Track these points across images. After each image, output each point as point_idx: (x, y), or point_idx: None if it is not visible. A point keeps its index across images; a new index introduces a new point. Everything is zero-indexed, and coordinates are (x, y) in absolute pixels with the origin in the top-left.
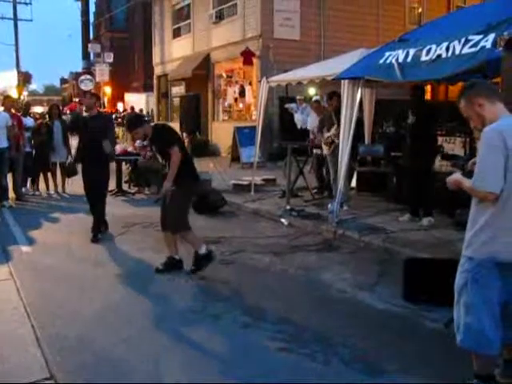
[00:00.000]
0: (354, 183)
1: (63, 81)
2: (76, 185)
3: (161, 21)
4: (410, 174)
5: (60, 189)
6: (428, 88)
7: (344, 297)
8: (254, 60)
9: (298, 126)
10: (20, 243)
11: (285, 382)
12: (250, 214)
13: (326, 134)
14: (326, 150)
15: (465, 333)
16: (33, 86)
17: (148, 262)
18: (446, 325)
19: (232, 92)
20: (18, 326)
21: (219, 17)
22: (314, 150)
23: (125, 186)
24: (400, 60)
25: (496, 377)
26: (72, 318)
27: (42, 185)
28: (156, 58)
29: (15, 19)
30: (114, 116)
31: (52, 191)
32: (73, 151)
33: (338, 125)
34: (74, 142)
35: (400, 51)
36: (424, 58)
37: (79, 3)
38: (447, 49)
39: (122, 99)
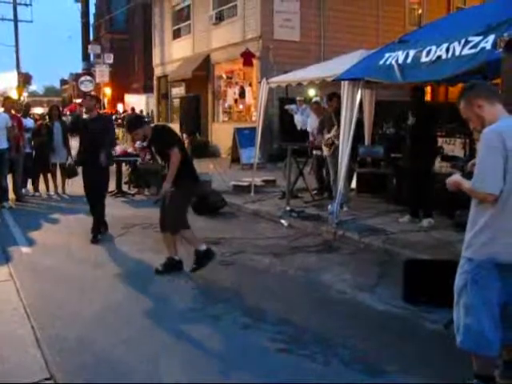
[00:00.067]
0: (353, 184)
1: (63, 82)
2: (76, 186)
3: (161, 22)
4: (409, 175)
5: (60, 190)
6: (428, 89)
7: (344, 298)
8: (254, 61)
9: (298, 127)
10: (20, 244)
11: (285, 383)
12: (250, 215)
13: (326, 136)
14: (325, 151)
15: (464, 334)
16: (33, 87)
17: (148, 262)
18: (446, 326)
19: (232, 93)
20: (17, 326)
21: (219, 18)
22: (314, 151)
23: (124, 187)
24: (400, 61)
25: (496, 378)
26: (72, 319)
27: (41, 186)
28: (156, 59)
29: (15, 20)
30: (113, 117)
31: (52, 192)
32: (73, 152)
33: (338, 126)
34: (73, 142)
35: (400, 52)
36: (424, 59)
37: (79, 4)
38: (447, 50)
39: (121, 100)
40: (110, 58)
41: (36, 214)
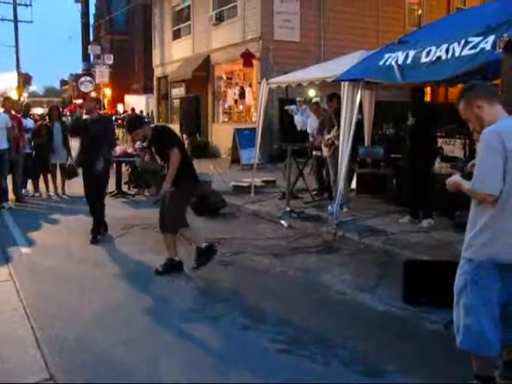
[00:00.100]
0: (353, 185)
1: (63, 82)
2: (76, 186)
3: (161, 23)
4: (409, 175)
5: (60, 190)
6: (428, 90)
7: (344, 298)
8: (254, 62)
9: (298, 128)
10: (20, 244)
11: (285, 383)
12: (250, 215)
13: (327, 136)
14: (325, 152)
15: (464, 334)
16: (33, 88)
17: (147, 263)
18: (446, 326)
19: (232, 94)
20: (17, 327)
21: (219, 18)
22: (314, 152)
23: (124, 188)
24: (400, 62)
25: (496, 378)
26: (71, 319)
27: (41, 186)
28: (156, 60)
29: (15, 21)
30: (113, 118)
31: (52, 193)
32: (73, 153)
33: (338, 126)
34: (73, 143)
35: (400, 53)
36: (424, 59)
37: (79, 5)
38: (447, 50)
39: (121, 101)
40: (109, 59)
41: (36, 214)
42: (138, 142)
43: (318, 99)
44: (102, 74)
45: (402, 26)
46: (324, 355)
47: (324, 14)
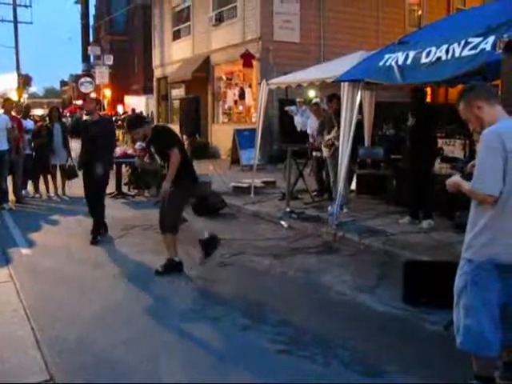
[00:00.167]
0: (353, 186)
1: (63, 83)
2: (76, 187)
3: (160, 23)
4: (409, 176)
5: (60, 191)
6: (428, 90)
7: (344, 299)
8: (254, 62)
9: (298, 129)
10: (20, 245)
11: (285, 383)
12: (250, 216)
13: (327, 137)
14: (325, 153)
15: (464, 335)
16: (33, 89)
17: (148, 264)
18: (446, 327)
19: (232, 94)
20: (17, 328)
21: (219, 19)
22: (314, 153)
23: (124, 189)
24: (400, 62)
25: (496, 379)
26: (71, 320)
27: (41, 187)
28: (156, 61)
29: (15, 22)
30: (113, 118)
31: (52, 193)
32: (73, 153)
33: (338, 127)
34: (73, 144)
35: (400, 53)
36: (424, 60)
37: (79, 6)
38: (447, 51)
39: (121, 102)
40: (109, 60)
41: (36, 215)
42: (138, 143)
43: (317, 100)
44: (102, 74)
45: (401, 26)
46: (324, 356)
47: (324, 15)
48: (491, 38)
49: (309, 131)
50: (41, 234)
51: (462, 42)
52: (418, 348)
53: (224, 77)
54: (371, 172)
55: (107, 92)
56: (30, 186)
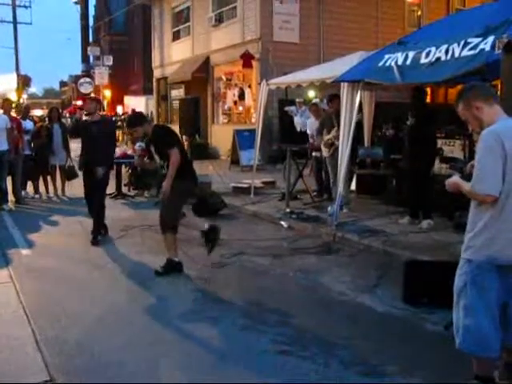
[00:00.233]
0: (353, 186)
1: (63, 84)
2: (75, 188)
3: (160, 24)
4: (409, 176)
5: (59, 192)
6: (427, 90)
7: (344, 299)
8: (254, 63)
9: (298, 129)
10: (20, 246)
11: (285, 383)
12: (250, 216)
13: (326, 137)
14: (325, 153)
15: (464, 335)
16: (32, 89)
17: (147, 264)
18: (446, 327)
19: (231, 95)
20: (17, 328)
21: (219, 20)
22: (314, 153)
23: (124, 189)
24: (399, 63)
25: (495, 379)
26: (71, 321)
27: (41, 188)
28: (155, 61)
29: (15, 22)
30: (113, 119)
31: (51, 194)
32: (72, 154)
33: (339, 127)
34: (73, 144)
35: (399, 54)
36: (423, 60)
37: (79, 6)
38: (446, 51)
39: (121, 102)
40: (109, 60)
41: (36, 215)
42: (138, 144)
43: (317, 100)
44: (102, 75)
45: (401, 26)
46: (324, 356)
47: (323, 15)
48: (490, 39)
49: (308, 131)
50: (41, 235)
51: (462, 43)
52: (418, 348)
53: (224, 77)
54: (371, 172)
55: (107, 92)
56: (29, 187)
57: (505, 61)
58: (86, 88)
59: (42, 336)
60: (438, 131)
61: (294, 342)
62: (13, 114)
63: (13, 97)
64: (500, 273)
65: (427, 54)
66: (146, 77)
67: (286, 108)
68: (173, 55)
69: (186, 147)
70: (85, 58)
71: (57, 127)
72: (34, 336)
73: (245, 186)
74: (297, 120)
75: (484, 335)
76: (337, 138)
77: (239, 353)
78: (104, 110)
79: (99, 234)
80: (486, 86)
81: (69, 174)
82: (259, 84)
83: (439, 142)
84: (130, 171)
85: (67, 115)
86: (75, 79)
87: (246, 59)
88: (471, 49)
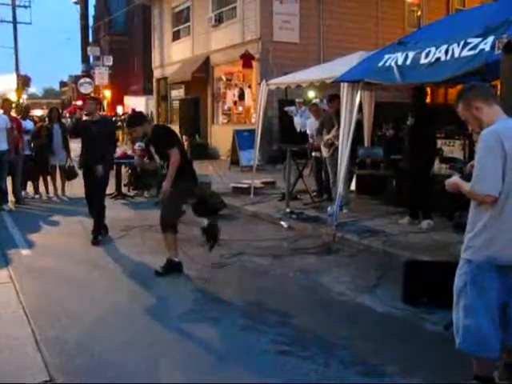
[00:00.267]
0: (353, 186)
1: (62, 84)
2: (75, 188)
3: (160, 24)
4: (409, 176)
5: (59, 192)
6: (428, 91)
7: (344, 299)
8: (254, 63)
9: (298, 129)
10: (19, 246)
11: (285, 383)
12: (250, 216)
13: (326, 137)
14: (325, 153)
15: (464, 335)
16: (32, 89)
17: (147, 264)
18: (446, 327)
19: (231, 95)
20: (17, 329)
21: (218, 20)
22: (313, 153)
23: (124, 189)
24: (399, 63)
25: (495, 379)
26: (72, 321)
27: (41, 188)
28: (155, 61)
29: (14, 22)
30: (113, 119)
31: (51, 194)
32: (72, 154)
33: (339, 127)
34: (73, 144)
35: (399, 54)
36: (423, 60)
37: (78, 6)
38: (446, 52)
39: (121, 102)
40: (109, 60)
41: (36, 216)
42: (138, 144)
43: (317, 100)
44: (102, 75)
45: (401, 27)
46: (324, 356)
47: (323, 15)
48: (490, 39)
49: (308, 131)
50: (40, 235)
51: (462, 43)
52: (418, 348)
53: (224, 77)
54: (371, 172)
55: (107, 93)
56: (29, 187)
57: (504, 61)
58: (85, 88)
59: (42, 336)
60: (437, 131)
61: (294, 342)
62: (13, 114)
63: (13, 97)
64: (500, 273)
65: (427, 54)
66: (145, 77)
67: (286, 108)
68: (173, 55)
69: (185, 147)
70: (85, 58)
71: (57, 127)
72: (33, 336)
73: (245, 186)
74: (297, 120)
75: (484, 335)
76: (337, 137)
77: (239, 353)
78: (104, 110)
79: (100, 233)
80: (486, 87)
81: (69, 174)
82: (259, 84)
83: (439, 142)
84: (129, 171)
85: (67, 115)
86: (75, 79)
87: (246, 59)
88: (471, 49)
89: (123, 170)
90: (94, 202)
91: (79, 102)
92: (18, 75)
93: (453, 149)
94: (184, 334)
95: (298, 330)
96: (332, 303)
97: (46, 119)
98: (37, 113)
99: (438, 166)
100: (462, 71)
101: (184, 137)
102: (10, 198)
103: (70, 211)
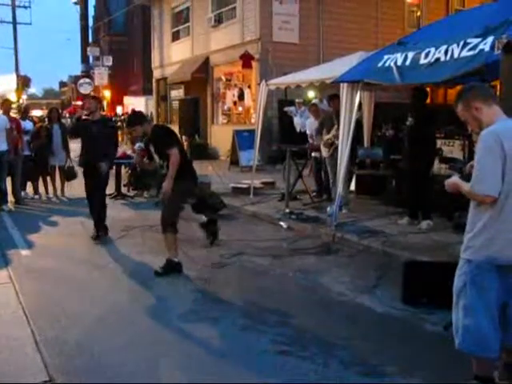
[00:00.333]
0: (352, 186)
1: (62, 84)
2: (75, 188)
3: (160, 24)
4: (409, 176)
5: (59, 192)
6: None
7: (343, 300)
8: (253, 63)
9: (297, 129)
10: (19, 247)
11: (285, 383)
12: (249, 217)
13: (326, 136)
14: (324, 153)
15: (463, 335)
16: (32, 90)
17: (147, 264)
18: (446, 327)
19: (231, 95)
20: (17, 329)
21: (218, 20)
22: (313, 153)
23: (124, 190)
24: (399, 63)
25: (495, 379)
26: (71, 321)
27: (41, 188)
28: (155, 62)
29: (14, 23)
30: (113, 119)
31: (51, 195)
32: (72, 154)
33: (339, 126)
34: (73, 145)
35: (399, 54)
36: (423, 61)
37: (78, 7)
38: (446, 52)
39: (121, 103)
40: (108, 61)
41: (35, 216)
42: (138, 144)
43: (316, 100)
44: (101, 75)
45: (401, 27)
46: (324, 356)
47: (323, 16)
48: (490, 39)
49: (308, 132)
50: (40, 235)
51: (461, 43)
52: (418, 348)
53: (223, 78)
54: (370, 172)
55: (106, 93)
56: (29, 188)
57: (504, 61)
58: (85, 88)
59: (42, 336)
60: (437, 131)
61: (294, 342)
62: (12, 114)
63: (12, 97)
64: (499, 273)
65: (426, 55)
66: (145, 77)
67: (286, 108)
68: (172, 56)
69: (185, 147)
70: (84, 59)
71: (56, 128)
72: (33, 336)
73: (244, 186)
74: (296, 120)
75: (483, 335)
76: (337, 137)
77: (239, 353)
78: (104, 111)
79: (101, 230)
80: (485, 87)
81: (68, 175)
82: (259, 84)
83: (439, 143)
84: (129, 172)
85: (67, 115)
86: (75, 80)
87: (246, 60)
88: (470, 49)
89: (123, 170)
90: (94, 202)
91: (79, 103)
92: (18, 76)
93: (452, 149)
94: (184, 334)
95: (298, 330)
96: (332, 303)
97: (46, 119)
98: (36, 113)
99: (437, 167)
100: (461, 71)
101: (184, 137)
102: (10, 198)
103: (70, 212)
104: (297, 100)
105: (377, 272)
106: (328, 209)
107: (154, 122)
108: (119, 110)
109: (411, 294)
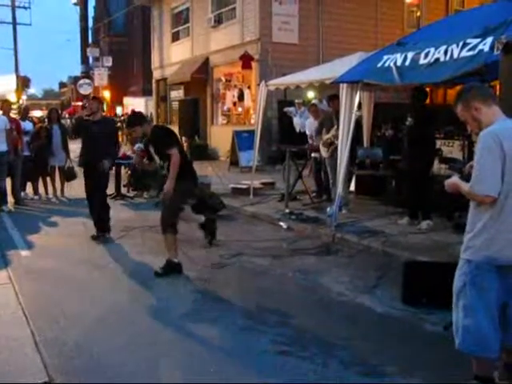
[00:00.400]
0: (352, 187)
1: (62, 85)
2: (75, 189)
3: (160, 25)
4: (408, 177)
5: (59, 193)
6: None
7: (343, 300)
8: (253, 64)
9: (297, 130)
10: (19, 247)
11: (285, 383)
12: (249, 217)
13: (326, 136)
14: (324, 153)
15: (463, 336)
16: (32, 91)
17: (147, 265)
18: (446, 327)
19: (231, 96)
20: (16, 329)
21: (218, 21)
22: (313, 154)
23: (124, 190)
24: (398, 63)
25: (495, 379)
26: (71, 322)
27: (40, 189)
28: (155, 62)
29: (14, 23)
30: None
31: (51, 195)
32: (72, 155)
33: (338, 126)
34: (73, 145)
35: (398, 55)
36: (422, 61)
37: (78, 8)
38: (445, 52)
39: (120, 103)
40: (108, 61)
41: (35, 217)
42: (137, 145)
43: (316, 101)
44: (101, 76)
45: (400, 27)
46: (323, 356)
47: (322, 16)
48: (489, 39)
49: (307, 132)
50: (40, 236)
51: (461, 43)
52: (418, 348)
53: (223, 78)
54: (370, 173)
55: (106, 94)
56: (28, 188)
57: (503, 61)
58: (85, 89)
59: (41, 337)
60: (437, 132)
61: (294, 342)
62: (12, 114)
63: (12, 98)
64: (499, 273)
65: (426, 55)
66: (145, 78)
67: (286, 109)
68: (172, 56)
69: (185, 148)
70: (84, 59)
71: (56, 128)
72: (33, 337)
73: (244, 186)
74: (296, 121)
75: (483, 335)
76: (336, 137)
77: (239, 353)
78: (103, 111)
79: (102, 232)
80: (485, 87)
81: (68, 175)
82: (258, 85)
83: (438, 143)
84: (129, 172)
85: (66, 116)
86: (74, 80)
87: (246, 60)
88: (470, 49)
89: (123, 170)
90: (95, 202)
91: (79, 103)
92: (18, 76)
93: (452, 149)
94: (184, 334)
95: (298, 331)
96: (331, 303)
97: (46, 120)
98: (36, 114)
99: (437, 167)
100: (461, 72)
101: (183, 138)
102: (10, 198)
103: (70, 212)
104: (296, 100)
105: (377, 272)
106: (328, 209)
107: (154, 123)
108: (119, 110)
109: (411, 294)
